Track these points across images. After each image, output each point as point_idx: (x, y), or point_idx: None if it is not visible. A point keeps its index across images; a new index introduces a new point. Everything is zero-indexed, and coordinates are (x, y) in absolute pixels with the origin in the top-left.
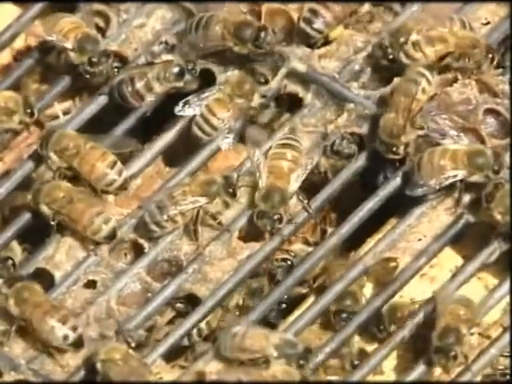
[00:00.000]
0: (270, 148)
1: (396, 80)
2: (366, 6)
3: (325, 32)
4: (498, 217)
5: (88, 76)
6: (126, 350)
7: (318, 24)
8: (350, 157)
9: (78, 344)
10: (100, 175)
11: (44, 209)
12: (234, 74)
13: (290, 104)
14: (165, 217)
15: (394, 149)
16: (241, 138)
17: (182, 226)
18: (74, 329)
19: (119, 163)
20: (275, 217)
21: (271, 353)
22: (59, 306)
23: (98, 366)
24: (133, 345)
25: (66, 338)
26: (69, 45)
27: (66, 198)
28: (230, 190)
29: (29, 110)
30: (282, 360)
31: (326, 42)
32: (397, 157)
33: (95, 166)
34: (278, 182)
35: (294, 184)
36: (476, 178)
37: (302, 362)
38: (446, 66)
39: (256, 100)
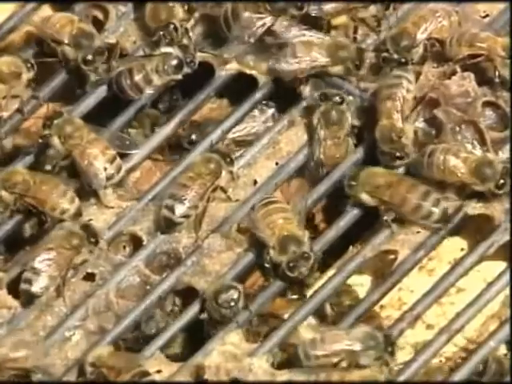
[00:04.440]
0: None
1: (376, 89)
2: (373, 10)
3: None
4: (367, 199)
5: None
6: (112, 350)
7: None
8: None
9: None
10: (99, 171)
11: (4, 195)
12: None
13: (289, 97)
14: (188, 205)
15: (399, 154)
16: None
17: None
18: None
19: (118, 159)
20: (305, 256)
21: (357, 348)
22: None
23: (88, 369)
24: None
25: None
26: (65, 40)
27: (27, 180)
28: (228, 160)
29: (29, 64)
30: (369, 353)
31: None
32: (404, 161)
33: (94, 161)
34: (284, 231)
35: (301, 228)
36: (480, 188)
37: (390, 349)
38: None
39: None
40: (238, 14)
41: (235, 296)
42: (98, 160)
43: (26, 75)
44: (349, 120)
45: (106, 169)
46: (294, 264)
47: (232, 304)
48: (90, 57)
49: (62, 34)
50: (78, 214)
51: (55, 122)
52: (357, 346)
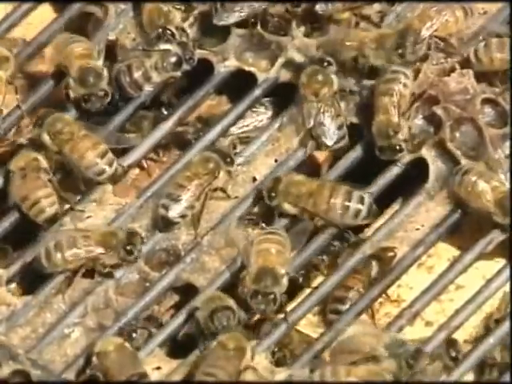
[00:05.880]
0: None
1: (374, 85)
2: (377, 6)
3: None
4: (290, 208)
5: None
6: (121, 342)
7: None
8: None
9: None
10: (89, 164)
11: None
12: None
13: (288, 94)
14: (184, 205)
15: (398, 147)
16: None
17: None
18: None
19: (110, 154)
20: (270, 297)
21: (381, 353)
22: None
23: (94, 359)
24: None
25: None
26: (72, 73)
27: (24, 171)
28: (228, 160)
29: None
30: (391, 359)
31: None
32: (402, 154)
33: (85, 155)
34: (267, 263)
35: (285, 265)
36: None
37: (411, 361)
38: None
39: None
40: None
41: (230, 316)
42: (89, 154)
43: (13, 60)
44: (334, 83)
45: (97, 163)
46: (258, 296)
47: (225, 323)
48: (87, 97)
49: (72, 67)
50: (52, 219)
51: (46, 120)
52: (381, 351)
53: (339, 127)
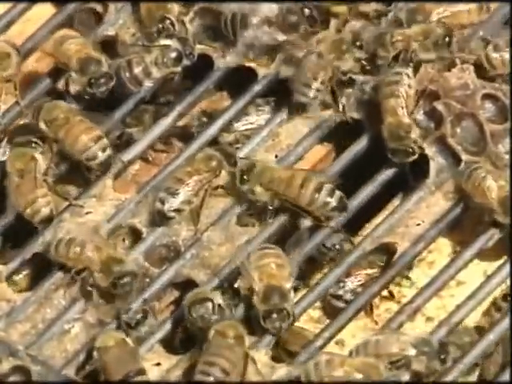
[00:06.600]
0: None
1: (376, 86)
2: (373, 5)
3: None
4: (261, 192)
5: (88, 97)
6: (122, 338)
7: None
8: None
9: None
10: (83, 148)
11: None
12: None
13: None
14: (181, 200)
15: (411, 150)
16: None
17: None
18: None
19: (105, 140)
20: (283, 313)
21: (410, 352)
22: None
23: (95, 353)
24: (133, 325)
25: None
26: (72, 66)
27: (20, 171)
28: (232, 161)
29: (16, 51)
30: (422, 358)
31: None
32: (415, 156)
33: (79, 138)
34: (272, 280)
35: (289, 280)
36: (501, 218)
37: (443, 356)
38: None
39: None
40: (246, 23)
41: (209, 308)
42: (83, 137)
43: (16, 57)
44: (345, 62)
45: (90, 147)
46: (269, 314)
47: (206, 316)
48: (93, 80)
49: (71, 62)
50: (48, 219)
51: (42, 109)
52: (410, 351)
53: (317, 90)
